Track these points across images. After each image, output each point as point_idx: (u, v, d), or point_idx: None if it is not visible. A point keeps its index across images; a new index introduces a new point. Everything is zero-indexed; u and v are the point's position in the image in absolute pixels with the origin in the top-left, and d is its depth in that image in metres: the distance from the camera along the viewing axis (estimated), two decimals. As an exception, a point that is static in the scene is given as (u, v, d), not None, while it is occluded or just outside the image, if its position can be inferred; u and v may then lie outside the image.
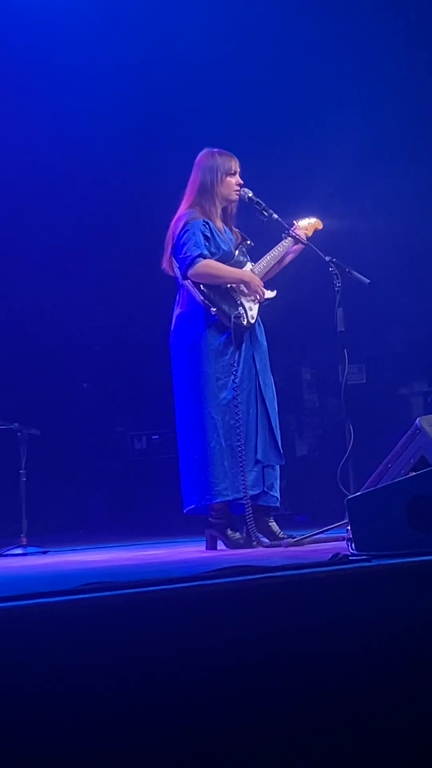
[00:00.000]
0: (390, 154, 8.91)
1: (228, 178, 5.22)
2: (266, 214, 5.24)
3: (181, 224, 5.15)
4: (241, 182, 5.25)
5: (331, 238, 5.60)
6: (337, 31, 8.69)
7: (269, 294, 5.27)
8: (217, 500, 5.03)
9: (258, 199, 5.24)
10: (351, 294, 5.12)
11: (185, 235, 5.11)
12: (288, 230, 5.32)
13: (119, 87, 8.69)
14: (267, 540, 5.06)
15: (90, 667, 2.20)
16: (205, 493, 5.06)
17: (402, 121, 8.87)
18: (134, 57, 8.56)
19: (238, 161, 5.27)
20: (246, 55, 8.70)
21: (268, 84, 8.73)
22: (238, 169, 5.26)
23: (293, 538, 4.92)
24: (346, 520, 3.84)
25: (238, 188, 5.23)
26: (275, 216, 5.25)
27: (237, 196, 5.25)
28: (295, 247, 5.39)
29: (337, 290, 5.03)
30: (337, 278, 5.03)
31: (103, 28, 8.47)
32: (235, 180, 5.24)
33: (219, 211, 5.24)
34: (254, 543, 4.96)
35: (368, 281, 5.15)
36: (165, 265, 5.28)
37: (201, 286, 5.11)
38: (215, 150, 5.28)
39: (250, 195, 5.24)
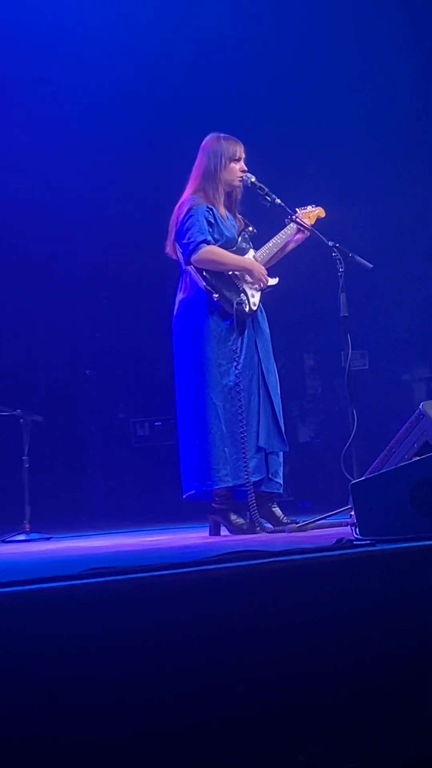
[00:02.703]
0: (392, 141, 8.90)
1: (232, 164, 5.20)
2: (269, 199, 5.21)
3: (184, 210, 5.14)
4: (245, 168, 5.22)
5: (334, 224, 5.57)
6: (339, 18, 8.67)
7: (272, 281, 5.25)
8: (218, 486, 5.03)
9: (261, 184, 5.21)
10: (354, 279, 5.10)
11: (189, 221, 5.10)
12: (291, 216, 5.30)
13: (125, 73, 8.69)
14: (270, 525, 5.05)
15: (94, 651, 2.20)
16: (206, 478, 5.06)
17: (404, 108, 8.86)
18: (142, 40, 8.56)
19: (243, 147, 5.25)
20: (250, 42, 8.69)
21: (272, 72, 8.73)
22: (243, 155, 5.24)
23: (297, 523, 4.92)
24: (349, 506, 3.84)
25: (242, 174, 5.20)
26: (278, 201, 5.22)
27: (240, 182, 5.23)
28: (297, 236, 5.36)
29: (340, 275, 5.00)
30: (340, 263, 5.01)
31: (107, 17, 8.46)
32: (239, 166, 5.21)
33: (222, 196, 5.23)
34: (257, 528, 4.96)
35: (371, 266, 5.13)
36: (169, 249, 5.27)
37: (204, 272, 5.10)
38: (221, 135, 5.26)
39: (253, 180, 5.21)
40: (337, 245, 5.06)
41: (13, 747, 2.05)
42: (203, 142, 5.27)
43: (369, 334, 9.38)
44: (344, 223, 6.24)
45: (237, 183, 5.23)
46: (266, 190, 5.21)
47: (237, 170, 5.20)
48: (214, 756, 2.25)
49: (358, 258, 5.10)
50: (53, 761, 2.09)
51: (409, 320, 9.73)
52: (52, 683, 2.13)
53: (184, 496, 5.20)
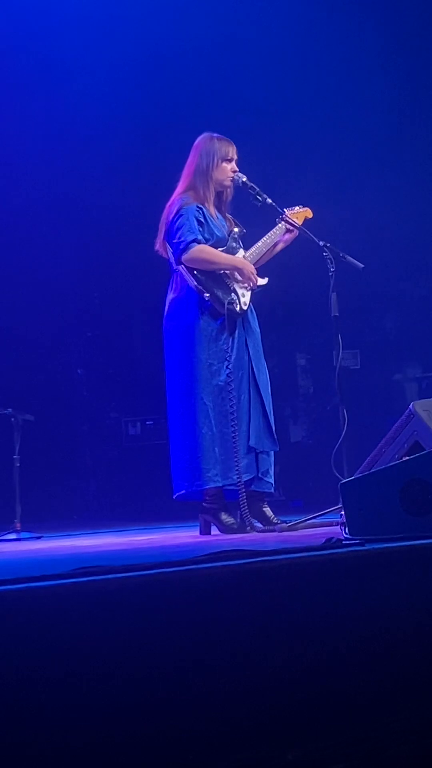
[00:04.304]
0: (385, 141, 8.91)
1: (223, 164, 5.20)
2: (260, 198, 5.21)
3: (174, 209, 5.14)
4: (237, 169, 5.23)
5: (325, 224, 5.58)
6: (335, 17, 8.68)
7: (261, 281, 5.26)
8: (208, 486, 5.03)
9: (252, 184, 5.22)
10: (345, 279, 5.11)
11: (179, 220, 5.10)
12: (281, 215, 5.31)
13: (120, 74, 8.69)
14: (261, 525, 5.06)
15: (84, 650, 2.20)
16: (195, 479, 5.06)
17: (397, 109, 8.87)
18: (136, 44, 8.57)
19: (235, 148, 5.26)
20: (246, 44, 8.69)
21: (265, 71, 8.72)
22: (235, 156, 5.25)
23: (287, 523, 4.92)
24: (339, 505, 3.84)
25: (233, 174, 5.21)
26: (269, 201, 5.23)
27: (231, 182, 5.24)
28: (286, 236, 5.37)
29: (331, 275, 5.01)
30: (331, 263, 5.02)
31: (103, 15, 8.47)
32: (231, 166, 5.22)
33: (213, 196, 5.23)
34: (248, 528, 4.97)
35: (362, 266, 5.14)
36: (158, 247, 5.27)
37: (195, 271, 5.10)
38: (214, 135, 5.27)
39: (244, 179, 5.21)
40: (328, 245, 5.07)
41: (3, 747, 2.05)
42: (196, 142, 5.27)
43: (361, 333, 9.40)
44: (335, 223, 6.25)
45: (228, 183, 5.23)
46: (257, 189, 5.22)
47: (228, 170, 5.20)
48: (202, 754, 2.25)
49: (349, 258, 5.11)
50: (41, 761, 2.09)
51: (401, 320, 9.75)
52: (40, 682, 2.13)
53: (174, 496, 5.21)
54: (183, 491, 5.13)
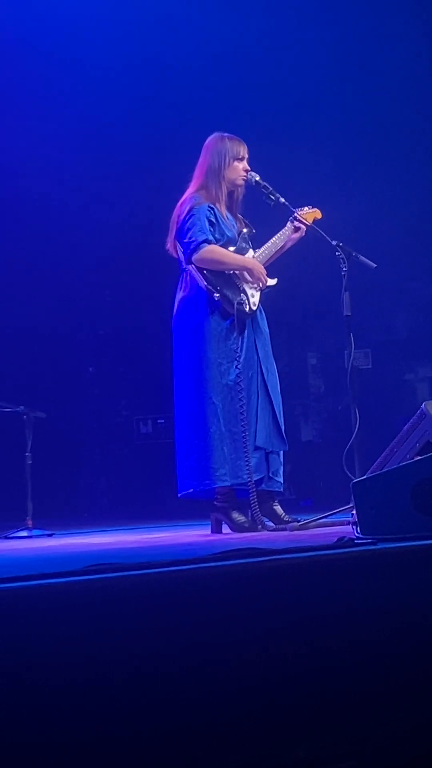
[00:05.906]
0: (395, 139, 8.91)
1: (235, 163, 5.20)
2: (273, 198, 5.21)
3: (186, 209, 5.14)
4: (248, 168, 5.23)
5: (338, 223, 5.58)
6: (341, 13, 8.68)
7: (271, 282, 5.26)
8: (217, 485, 5.03)
9: (265, 183, 5.22)
10: (357, 278, 5.11)
11: (190, 220, 5.10)
12: (293, 215, 5.31)
13: (126, 72, 8.69)
14: (272, 524, 5.06)
15: (95, 647, 2.21)
16: (204, 478, 5.06)
17: (407, 107, 8.87)
18: (143, 43, 8.57)
19: (246, 147, 5.26)
20: (252, 42, 8.70)
21: (276, 72, 8.73)
22: (246, 155, 5.25)
23: (298, 521, 4.92)
24: (351, 504, 3.84)
25: (245, 173, 5.21)
26: (282, 200, 5.23)
27: (243, 182, 5.24)
28: (295, 234, 5.37)
29: (344, 274, 5.00)
30: (344, 262, 5.01)
31: (108, 16, 8.48)
32: (243, 165, 5.22)
33: (225, 195, 5.23)
34: (259, 527, 4.97)
35: (375, 266, 5.13)
36: (169, 246, 5.27)
37: (204, 271, 5.10)
38: (225, 134, 5.27)
39: (257, 179, 5.21)
40: (341, 244, 5.06)
41: (12, 746, 2.06)
42: (207, 141, 5.27)
43: (372, 333, 9.40)
44: (347, 223, 6.24)
45: (240, 182, 5.23)
46: (270, 189, 5.22)
47: (240, 169, 5.20)
48: (211, 750, 2.26)
49: (362, 257, 5.10)
50: (49, 759, 2.09)
51: (413, 320, 9.75)
52: (51, 679, 2.14)
53: (179, 495, 5.20)
54: (191, 490, 5.12)
